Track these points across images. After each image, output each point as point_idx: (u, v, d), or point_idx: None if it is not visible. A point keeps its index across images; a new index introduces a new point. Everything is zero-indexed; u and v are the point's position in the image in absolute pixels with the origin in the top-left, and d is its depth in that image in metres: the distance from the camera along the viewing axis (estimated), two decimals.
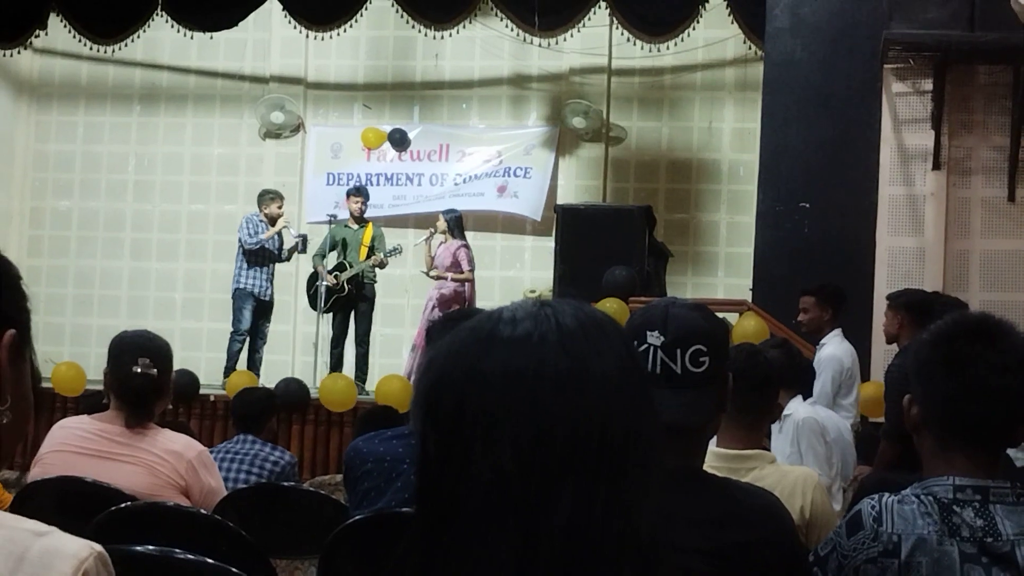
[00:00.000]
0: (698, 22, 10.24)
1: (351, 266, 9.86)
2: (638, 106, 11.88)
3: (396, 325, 11.43)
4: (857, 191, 8.34)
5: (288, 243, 10.13)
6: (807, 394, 4.90)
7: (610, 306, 7.59)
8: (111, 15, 10.86)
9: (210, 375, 9.89)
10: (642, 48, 10.77)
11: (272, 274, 10.05)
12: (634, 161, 11.85)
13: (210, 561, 2.56)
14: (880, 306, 7.04)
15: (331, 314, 10.04)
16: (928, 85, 8.31)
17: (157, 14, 10.79)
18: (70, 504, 3.19)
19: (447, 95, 12.18)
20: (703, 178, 11.65)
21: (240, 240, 9.90)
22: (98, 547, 1.22)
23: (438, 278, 9.81)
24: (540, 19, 10.38)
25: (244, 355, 10.05)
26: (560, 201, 10.52)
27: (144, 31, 11.01)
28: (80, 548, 1.20)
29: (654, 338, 1.88)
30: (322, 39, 11.21)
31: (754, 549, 1.82)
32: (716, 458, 2.80)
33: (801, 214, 8.41)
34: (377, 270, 10.04)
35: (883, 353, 7.33)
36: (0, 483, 4.09)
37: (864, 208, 8.33)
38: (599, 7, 10.38)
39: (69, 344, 11.65)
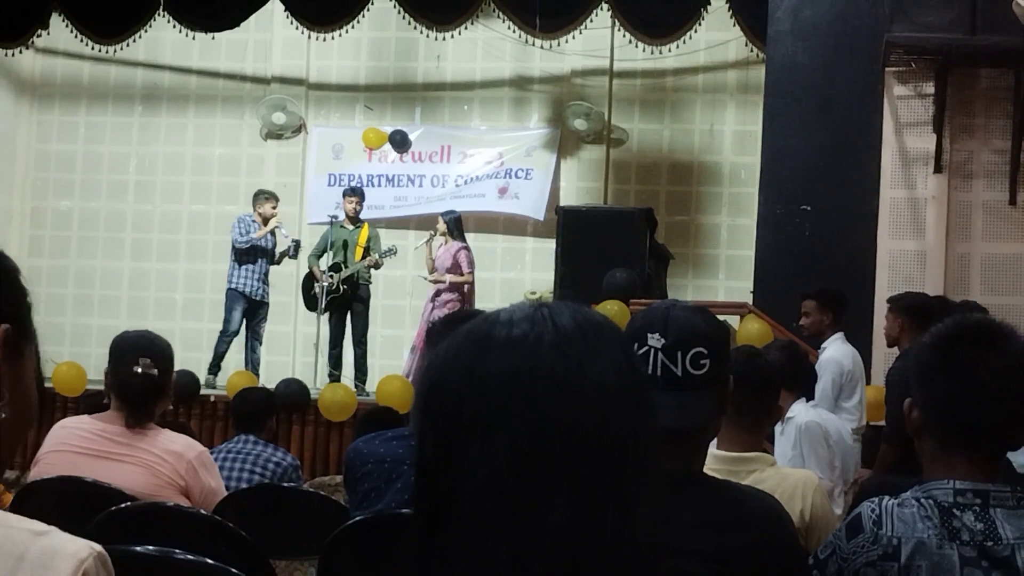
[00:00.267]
0: (700, 24, 10.24)
1: (346, 267, 9.85)
2: (639, 108, 11.88)
3: (397, 326, 11.43)
4: (858, 194, 8.34)
5: (281, 244, 10.11)
6: (810, 396, 4.89)
7: (611, 308, 7.59)
8: (113, 15, 10.87)
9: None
10: (644, 50, 10.77)
11: (266, 273, 10.01)
12: (635, 163, 11.85)
13: (210, 562, 2.55)
14: (881, 309, 7.04)
15: (327, 315, 10.03)
16: (929, 88, 8.31)
17: (159, 14, 10.80)
18: (70, 504, 3.19)
19: (448, 96, 12.18)
20: (704, 181, 11.64)
21: (232, 240, 9.90)
22: (98, 547, 1.21)
23: (436, 281, 9.81)
24: (542, 21, 10.38)
25: (241, 355, 10.05)
26: (561, 203, 10.51)
27: (146, 31, 11.02)
28: (80, 548, 1.20)
29: (655, 340, 1.88)
30: (324, 40, 11.21)
31: (754, 552, 1.81)
32: (716, 460, 2.80)
33: (802, 217, 8.41)
34: (373, 271, 10.03)
35: (884, 356, 7.32)
36: (0, 483, 4.09)
37: (865, 211, 8.32)
38: (601, 9, 10.39)
39: (69, 344, 11.65)
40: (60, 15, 10.92)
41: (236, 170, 12.21)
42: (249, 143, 12.29)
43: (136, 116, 12.48)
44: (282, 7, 10.80)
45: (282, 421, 8.34)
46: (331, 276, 9.85)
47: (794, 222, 8.42)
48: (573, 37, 10.76)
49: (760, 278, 8.58)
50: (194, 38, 11.26)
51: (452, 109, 12.19)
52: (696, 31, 10.36)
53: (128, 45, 11.19)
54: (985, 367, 1.88)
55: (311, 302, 10.07)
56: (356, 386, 9.61)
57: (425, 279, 10.07)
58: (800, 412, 4.62)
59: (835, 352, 6.30)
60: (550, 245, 9.82)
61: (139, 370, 3.37)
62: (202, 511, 3.30)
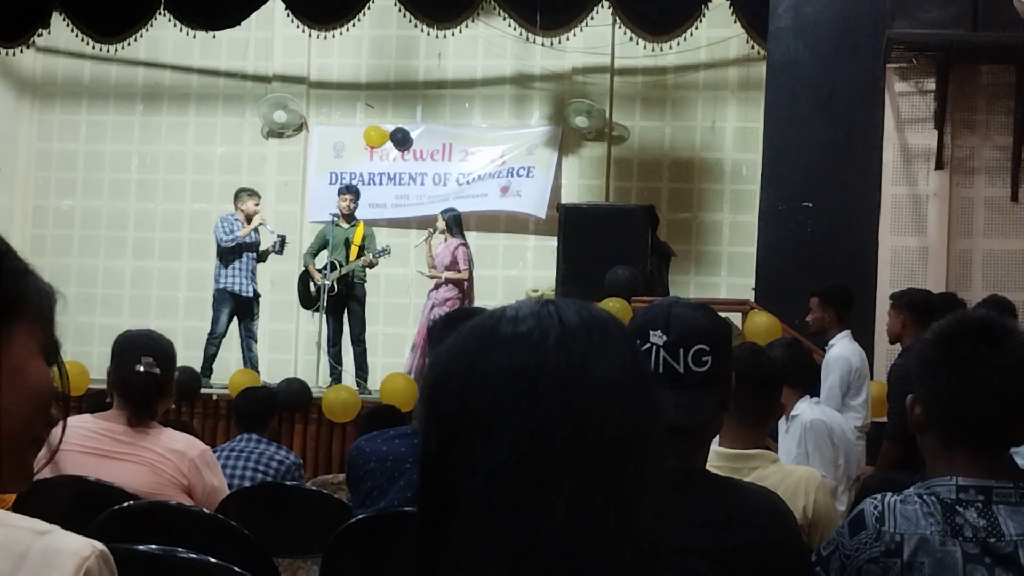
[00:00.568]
0: (701, 21, 10.23)
1: (341, 265, 9.84)
2: (641, 105, 11.87)
3: (399, 324, 11.43)
4: (860, 191, 8.33)
5: (265, 241, 10.06)
6: (813, 394, 4.89)
7: (613, 305, 7.59)
8: (114, 14, 10.87)
9: (215, 375, 9.89)
10: (645, 47, 10.77)
11: (253, 270, 9.97)
12: (637, 160, 11.84)
13: (212, 560, 2.55)
14: (883, 306, 7.04)
15: (323, 314, 10.02)
16: (931, 84, 8.31)
17: (160, 13, 10.80)
18: (72, 503, 3.19)
19: (450, 94, 12.18)
20: (706, 177, 11.64)
21: (217, 240, 9.87)
22: (100, 546, 1.21)
23: (433, 278, 9.83)
24: (543, 18, 10.37)
25: (232, 354, 10.04)
26: (563, 200, 10.51)
27: (147, 30, 11.02)
28: (82, 547, 1.19)
29: (657, 337, 1.88)
30: (325, 38, 11.21)
31: (757, 550, 1.81)
32: (718, 457, 2.80)
33: (804, 214, 8.40)
34: (369, 270, 10.02)
35: (886, 353, 7.32)
36: None
37: (867, 208, 8.32)
38: (602, 6, 10.38)
39: (72, 343, 11.62)
40: (61, 14, 10.92)
41: (238, 168, 12.21)
42: (250, 141, 12.29)
43: (137, 115, 12.48)
44: (283, 5, 10.80)
45: (284, 420, 8.35)
46: (325, 275, 9.84)
47: (796, 219, 8.42)
48: (574, 34, 10.76)
49: (762, 275, 8.57)
50: (195, 37, 11.26)
51: (453, 107, 12.19)
52: (697, 28, 10.35)
53: (129, 44, 11.19)
54: (987, 364, 1.87)
55: (307, 300, 10.07)
56: (358, 383, 9.62)
57: (422, 275, 10.08)
58: (805, 410, 4.62)
59: (843, 350, 6.28)
60: (552, 243, 9.82)
61: (141, 369, 3.37)
62: (205, 510, 3.30)
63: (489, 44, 11.57)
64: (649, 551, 1.04)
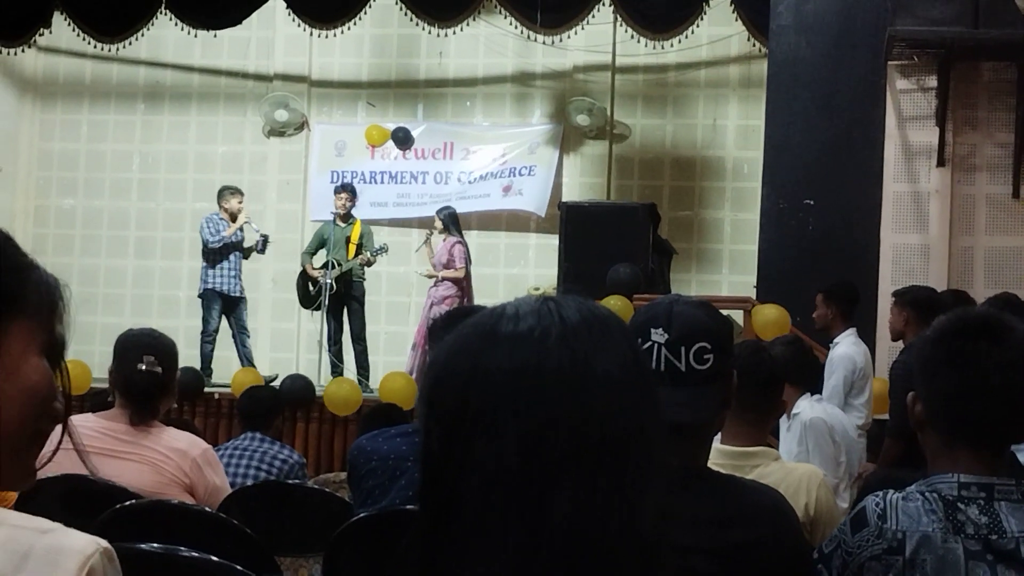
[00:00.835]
0: (702, 19, 10.23)
1: (339, 264, 9.84)
2: (642, 103, 11.87)
3: (400, 323, 11.43)
4: (861, 188, 8.33)
5: (249, 239, 10.03)
6: (815, 391, 4.89)
7: (614, 303, 7.59)
8: (115, 13, 10.87)
9: (215, 373, 9.90)
10: (646, 45, 10.76)
11: (239, 269, 9.96)
12: (638, 158, 11.84)
13: (215, 559, 2.56)
14: (885, 303, 7.04)
15: (324, 313, 10.03)
16: (932, 82, 8.30)
17: (161, 12, 10.81)
18: (75, 502, 3.19)
19: (451, 93, 12.17)
20: (707, 175, 11.64)
21: (204, 241, 9.85)
22: (104, 543, 1.20)
23: (430, 276, 9.84)
24: (544, 16, 10.37)
25: (226, 352, 10.04)
26: (564, 198, 10.51)
27: (148, 29, 11.02)
28: (86, 544, 1.19)
29: (658, 335, 1.88)
30: (326, 37, 11.21)
31: (758, 548, 1.81)
32: (720, 455, 2.80)
33: (805, 211, 8.40)
34: (367, 268, 10.02)
35: (888, 350, 7.32)
36: None
37: (868, 205, 8.32)
38: (603, 4, 10.38)
39: (74, 342, 11.38)
40: (62, 14, 10.92)
41: (239, 167, 12.21)
42: (252, 140, 12.29)
43: (139, 114, 12.49)
44: (284, 4, 10.80)
45: (287, 418, 8.35)
46: (322, 273, 9.85)
47: (797, 216, 8.42)
48: (575, 32, 10.75)
49: (764, 273, 8.57)
50: (196, 36, 11.26)
51: (454, 106, 12.19)
52: (698, 26, 10.35)
53: (130, 43, 11.20)
54: (988, 361, 1.87)
55: (306, 299, 10.08)
56: (359, 381, 9.62)
57: (420, 274, 10.09)
58: (806, 408, 4.62)
59: (847, 349, 6.25)
60: (553, 241, 9.82)
61: (143, 368, 3.38)
62: (207, 508, 3.30)
63: (490, 42, 11.57)
64: (651, 549, 1.04)
